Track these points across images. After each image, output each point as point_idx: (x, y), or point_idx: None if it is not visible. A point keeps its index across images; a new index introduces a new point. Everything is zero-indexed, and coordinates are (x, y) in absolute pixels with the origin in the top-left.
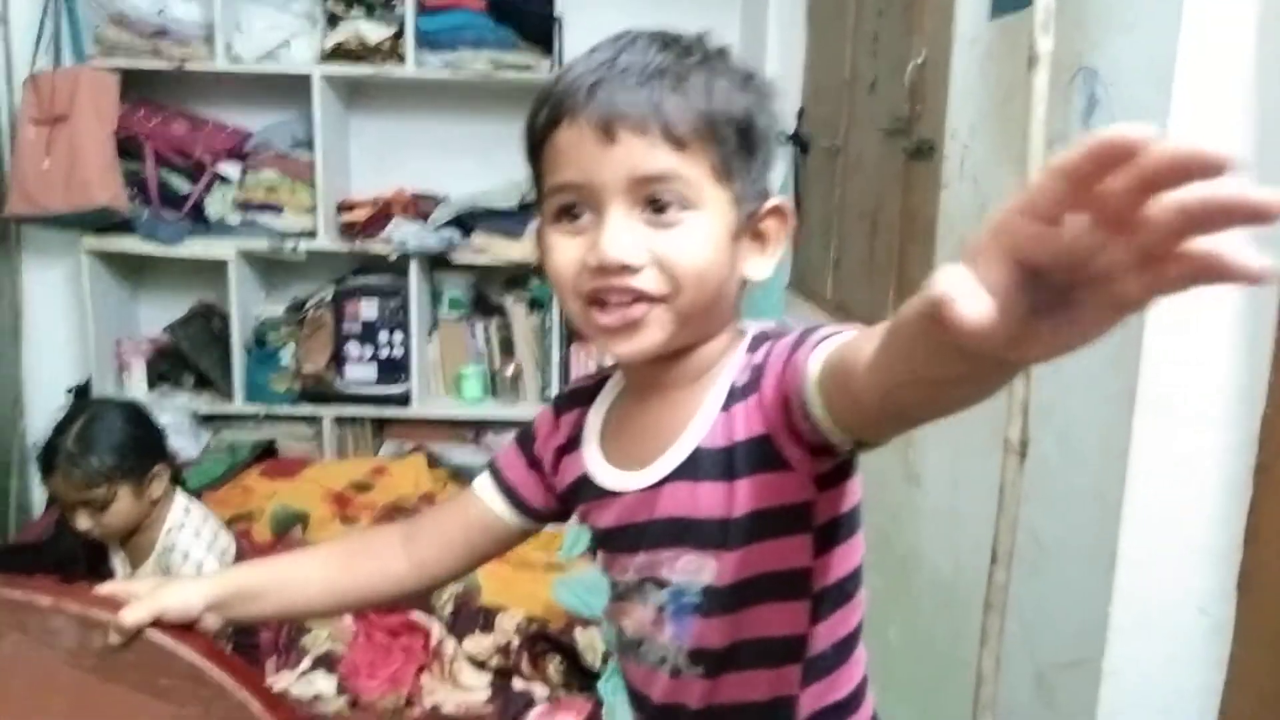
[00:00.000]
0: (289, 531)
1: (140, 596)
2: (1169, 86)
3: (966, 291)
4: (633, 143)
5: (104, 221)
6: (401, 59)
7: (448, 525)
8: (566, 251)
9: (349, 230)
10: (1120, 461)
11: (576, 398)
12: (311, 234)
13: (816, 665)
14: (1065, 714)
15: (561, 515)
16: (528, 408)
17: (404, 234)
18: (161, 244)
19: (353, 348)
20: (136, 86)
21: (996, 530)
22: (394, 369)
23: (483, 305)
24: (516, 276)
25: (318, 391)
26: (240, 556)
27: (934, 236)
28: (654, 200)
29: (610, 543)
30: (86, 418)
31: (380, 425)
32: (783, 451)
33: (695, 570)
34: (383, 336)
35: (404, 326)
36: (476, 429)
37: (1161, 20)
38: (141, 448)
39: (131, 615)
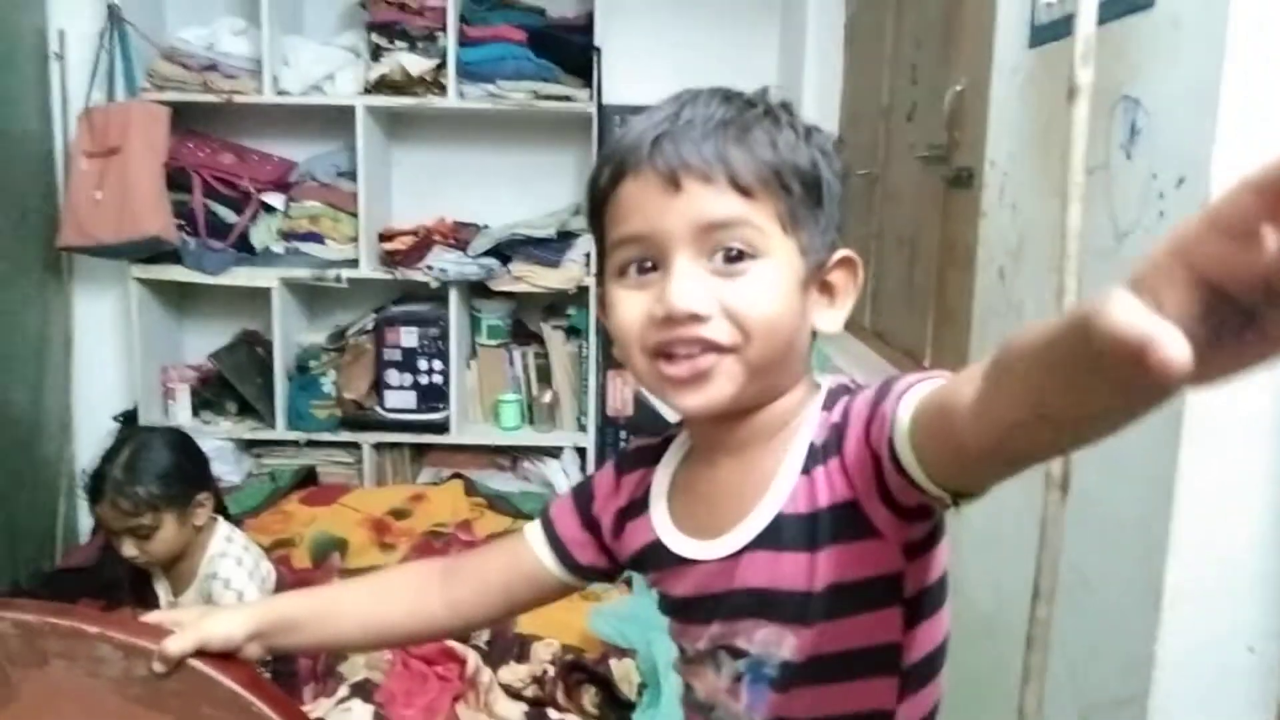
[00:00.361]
0: (328, 558)
1: (184, 626)
2: (1214, 116)
3: (1163, 329)
4: (699, 191)
5: (153, 251)
6: (443, 90)
7: (490, 569)
8: (632, 306)
9: (390, 259)
10: (1166, 493)
11: (640, 458)
12: (354, 263)
13: None
14: None
15: (610, 575)
16: (564, 436)
17: (444, 262)
18: (207, 273)
19: (392, 375)
20: (186, 119)
21: (1039, 566)
22: (433, 396)
23: (521, 333)
24: (554, 305)
25: (358, 418)
26: (280, 584)
27: (973, 264)
28: (722, 249)
29: (683, 611)
30: (134, 447)
31: (419, 452)
32: (871, 518)
33: (774, 643)
34: (422, 364)
35: (443, 354)
36: (513, 456)
37: (1205, 49)
38: (186, 477)
39: (175, 644)
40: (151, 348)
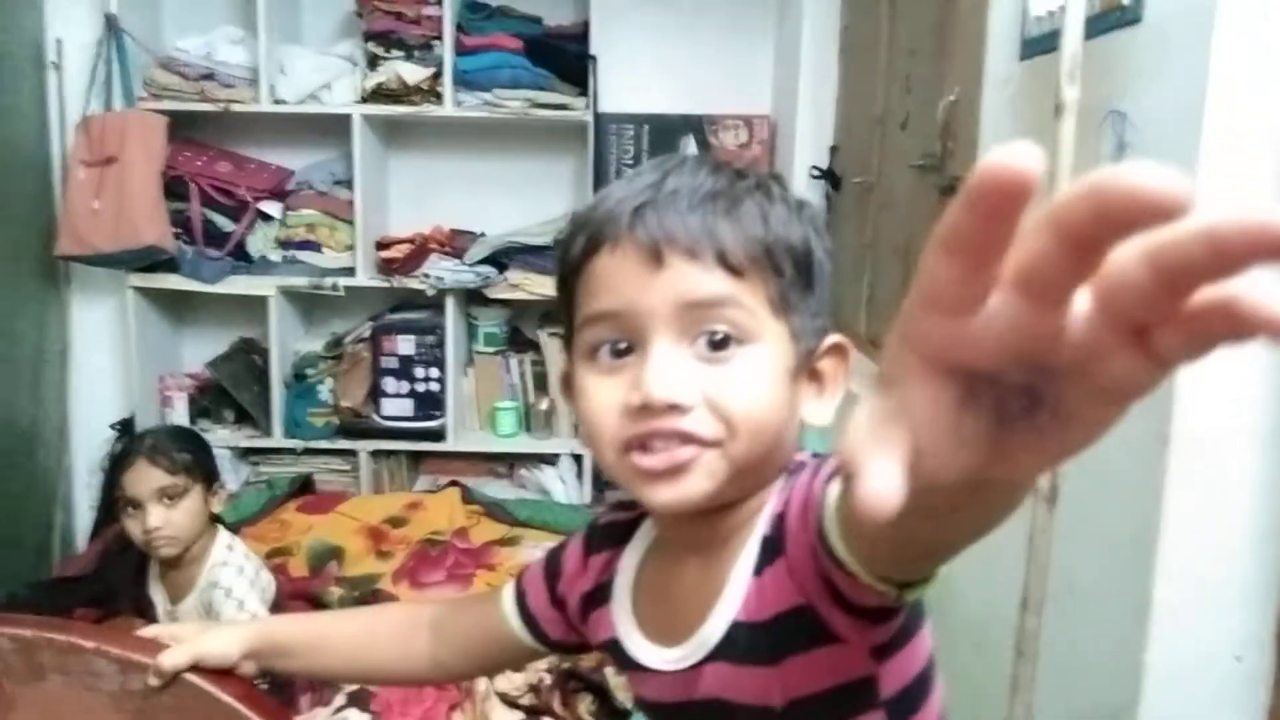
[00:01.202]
0: (325, 566)
1: (181, 641)
2: (1198, 131)
3: (868, 460)
4: (684, 268)
5: (150, 260)
6: (440, 99)
7: (472, 630)
8: (603, 394)
9: (387, 267)
10: (1154, 505)
11: (609, 536)
12: (350, 271)
13: None
14: None
15: (585, 648)
16: (561, 443)
17: (441, 270)
18: (205, 282)
19: (389, 383)
20: (183, 128)
21: (1027, 577)
22: (430, 404)
23: (517, 341)
24: (551, 312)
25: (355, 426)
26: (278, 593)
27: None
28: (706, 332)
29: (651, 712)
30: (159, 428)
31: (416, 460)
32: (827, 621)
33: None
34: (419, 372)
35: (440, 362)
36: (510, 463)
37: (1190, 65)
38: (210, 459)
39: (171, 659)
40: (149, 356)
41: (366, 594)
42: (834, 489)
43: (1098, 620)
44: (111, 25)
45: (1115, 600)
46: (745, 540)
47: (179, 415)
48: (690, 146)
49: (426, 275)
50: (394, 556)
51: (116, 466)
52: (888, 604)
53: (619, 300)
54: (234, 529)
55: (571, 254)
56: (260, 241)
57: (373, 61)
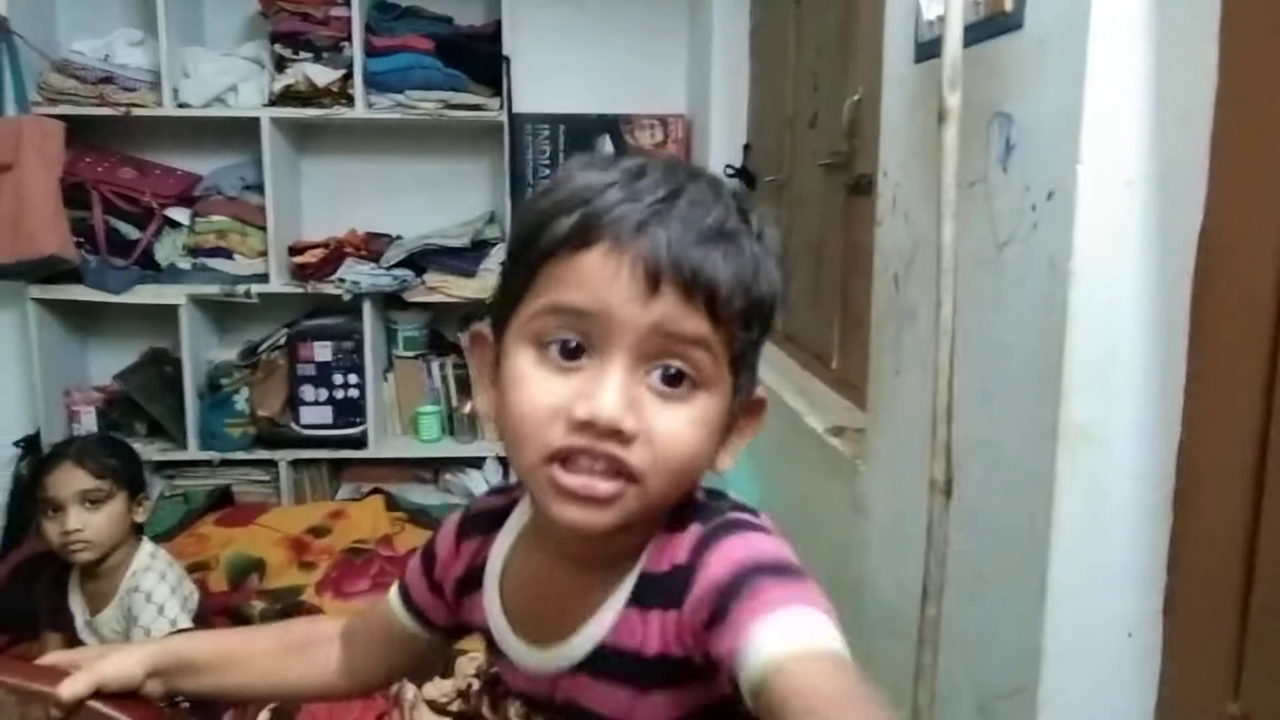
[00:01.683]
0: (246, 580)
1: (80, 666)
2: (1077, 133)
3: None
4: (674, 299)
5: (51, 270)
6: (351, 101)
7: (375, 637)
8: (543, 393)
9: (301, 272)
10: (1046, 492)
11: (480, 523)
12: (264, 277)
13: None
14: None
15: (471, 631)
16: (485, 446)
17: (357, 275)
18: (110, 292)
19: (307, 390)
20: (82, 133)
21: (926, 566)
22: (350, 411)
23: (438, 344)
24: (471, 314)
25: (273, 435)
26: (202, 607)
27: (872, 270)
28: (663, 365)
29: (519, 699)
30: (87, 435)
31: (337, 468)
32: (703, 670)
33: None
34: (338, 378)
35: (359, 368)
36: (435, 468)
37: (1068, 68)
38: (138, 470)
39: (69, 689)
40: (53, 370)
41: (290, 606)
42: (755, 668)
43: (1000, 604)
44: (2, 28)
45: (1015, 586)
46: (622, 569)
47: (87, 430)
48: (607, 146)
49: (342, 280)
50: (317, 567)
51: (41, 468)
52: None
53: (594, 302)
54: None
55: (552, 235)
56: (168, 249)
57: (280, 64)
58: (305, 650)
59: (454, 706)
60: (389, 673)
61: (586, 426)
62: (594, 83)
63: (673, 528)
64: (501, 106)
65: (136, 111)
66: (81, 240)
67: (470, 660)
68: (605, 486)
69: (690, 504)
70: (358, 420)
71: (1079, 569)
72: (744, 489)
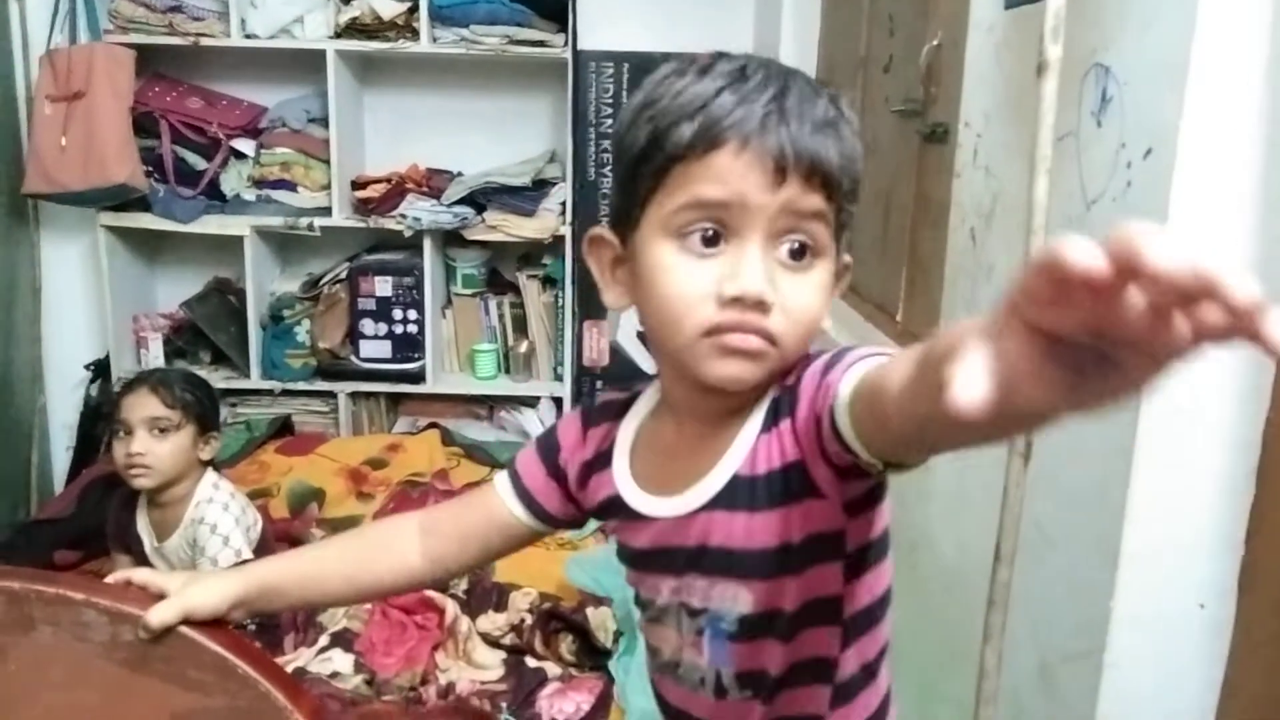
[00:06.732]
0: (306, 508)
1: (169, 592)
2: (1182, 86)
3: (969, 377)
4: (798, 183)
5: (121, 198)
6: (415, 34)
7: (465, 522)
8: (693, 279)
9: (363, 207)
10: (1125, 459)
11: (606, 412)
12: (326, 211)
13: (844, 689)
14: (1067, 705)
15: (579, 523)
16: (540, 385)
17: (418, 211)
18: (177, 221)
19: (367, 324)
20: (152, 63)
21: (1000, 529)
22: (408, 346)
23: (496, 283)
24: (530, 254)
25: (333, 368)
26: (265, 534)
27: (946, 222)
28: (789, 240)
29: (641, 563)
30: (173, 368)
31: (395, 401)
32: (815, 478)
33: (730, 598)
34: (397, 313)
35: (418, 304)
36: (490, 406)
37: (1177, 19)
38: (213, 407)
39: (159, 616)
40: (122, 296)
41: None
42: (848, 385)
43: (1069, 568)
44: None
45: (1086, 549)
46: (753, 409)
47: (154, 356)
48: None
49: (403, 216)
50: (375, 498)
51: (122, 391)
52: (870, 472)
53: (730, 193)
54: (214, 470)
55: (676, 141)
56: (233, 180)
57: None
58: (383, 546)
59: (507, 640)
60: (482, 557)
61: (735, 302)
62: (660, 20)
63: (786, 371)
64: (566, 43)
65: (204, 41)
66: (150, 169)
67: (524, 595)
68: (757, 342)
69: (805, 355)
70: (416, 355)
71: (1153, 536)
72: None
